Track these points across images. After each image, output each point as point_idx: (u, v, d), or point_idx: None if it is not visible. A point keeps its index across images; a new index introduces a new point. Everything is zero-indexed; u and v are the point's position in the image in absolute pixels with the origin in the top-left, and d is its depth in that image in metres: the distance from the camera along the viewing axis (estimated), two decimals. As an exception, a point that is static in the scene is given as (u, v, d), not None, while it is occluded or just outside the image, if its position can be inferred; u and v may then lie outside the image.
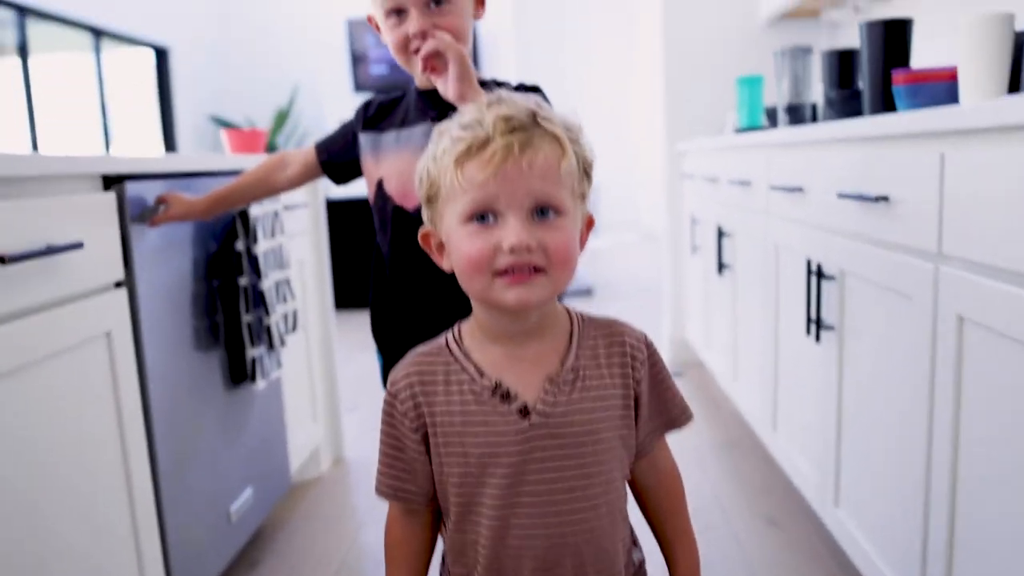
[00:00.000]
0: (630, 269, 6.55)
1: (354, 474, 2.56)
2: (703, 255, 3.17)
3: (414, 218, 1.32)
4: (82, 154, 1.25)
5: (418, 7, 1.26)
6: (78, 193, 1.27)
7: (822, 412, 1.77)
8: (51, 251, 1.11)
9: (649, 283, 5.51)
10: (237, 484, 1.84)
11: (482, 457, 0.89)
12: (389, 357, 1.45)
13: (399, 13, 1.28)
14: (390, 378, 0.95)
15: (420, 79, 1.37)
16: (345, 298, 4.89)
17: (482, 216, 0.85)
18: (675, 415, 0.99)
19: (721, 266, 2.77)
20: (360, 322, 4.72)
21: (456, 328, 0.96)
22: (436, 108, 1.31)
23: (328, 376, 2.61)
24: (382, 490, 0.95)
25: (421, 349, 0.96)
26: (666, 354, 3.71)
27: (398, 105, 1.42)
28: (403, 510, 0.97)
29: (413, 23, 1.27)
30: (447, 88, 1.23)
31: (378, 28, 1.36)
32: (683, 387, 3.20)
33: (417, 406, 0.92)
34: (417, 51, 1.27)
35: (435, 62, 1.24)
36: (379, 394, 3.24)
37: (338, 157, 1.50)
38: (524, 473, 0.89)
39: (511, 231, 0.83)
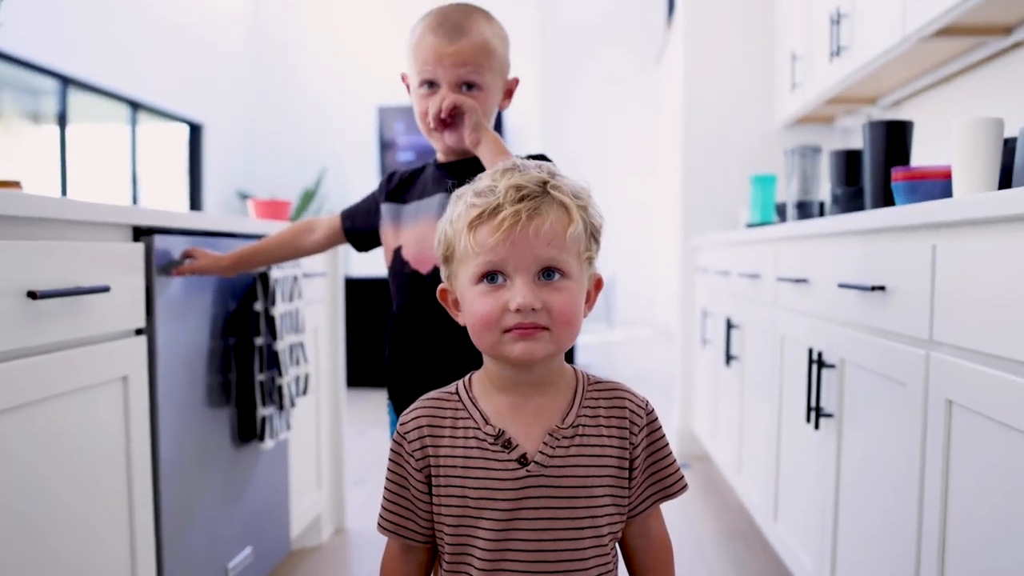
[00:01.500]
0: (643, 363, 6.57)
1: (355, 546, 2.55)
2: (713, 347, 3.20)
3: (428, 282, 1.40)
4: (115, 204, 1.33)
5: (450, 86, 1.37)
6: (109, 240, 1.34)
7: (820, 500, 1.78)
8: (79, 292, 1.17)
9: (661, 377, 5.52)
10: (237, 541, 1.86)
11: (479, 500, 0.94)
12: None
13: (431, 85, 1.39)
14: (400, 419, 1.01)
15: (440, 153, 1.47)
16: (359, 376, 4.93)
17: (492, 277, 0.92)
18: (669, 484, 1.03)
19: (729, 358, 2.80)
20: (372, 399, 4.77)
21: (468, 377, 1.03)
22: (453, 178, 1.39)
23: (335, 444, 2.63)
24: (383, 525, 1.00)
25: (432, 394, 1.02)
26: (674, 446, 3.70)
27: (418, 178, 1.51)
28: (401, 547, 1.02)
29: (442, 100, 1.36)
30: (461, 139, 1.37)
31: (408, 87, 1.46)
32: (690, 479, 3.20)
33: (424, 447, 0.97)
34: (440, 125, 1.38)
35: (451, 118, 1.36)
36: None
37: (361, 226, 1.58)
38: (516, 520, 0.93)
39: (518, 292, 0.90)
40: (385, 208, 1.51)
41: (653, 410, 1.02)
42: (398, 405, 1.50)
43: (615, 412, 0.99)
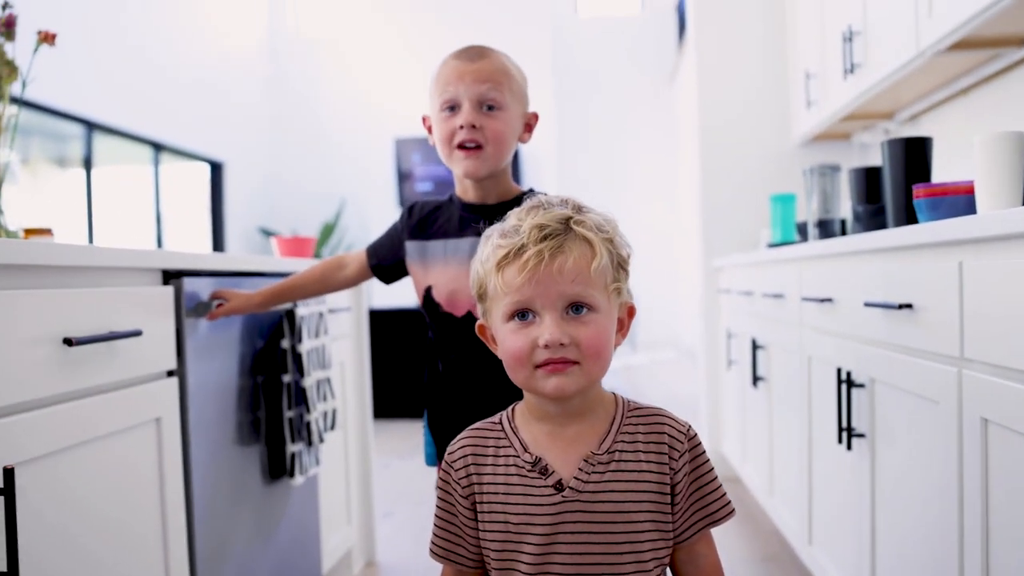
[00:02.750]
0: (668, 385, 6.53)
1: (385, 579, 2.55)
2: (739, 368, 3.19)
3: (462, 324, 1.45)
4: (145, 249, 1.35)
5: (472, 103, 1.40)
6: (139, 285, 1.36)
7: (855, 522, 1.76)
8: (112, 337, 1.19)
9: (686, 399, 5.49)
10: (270, 580, 1.86)
11: (519, 525, 0.96)
12: (442, 444, 1.53)
13: (453, 108, 1.42)
14: (448, 448, 1.04)
15: (459, 185, 1.51)
16: (385, 408, 4.93)
17: (522, 315, 0.95)
18: (714, 510, 1.02)
19: (756, 379, 2.78)
20: (397, 431, 4.77)
21: (511, 407, 1.06)
22: (480, 220, 1.42)
23: (364, 478, 2.64)
24: (435, 551, 1.04)
25: (478, 424, 1.05)
26: (703, 468, 3.67)
27: (441, 213, 1.53)
28: (453, 573, 1.04)
29: (464, 115, 1.40)
30: (480, 166, 1.43)
31: (430, 130, 1.49)
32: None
33: (469, 475, 1.01)
34: (460, 145, 1.41)
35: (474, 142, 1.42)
36: (415, 502, 3.24)
37: (386, 261, 1.61)
38: (555, 544, 0.95)
39: (546, 329, 0.93)
40: (410, 246, 1.54)
41: (696, 435, 1.03)
42: (436, 436, 1.53)
43: (654, 437, 1.00)
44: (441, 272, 1.48)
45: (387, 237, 1.61)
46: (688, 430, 1.02)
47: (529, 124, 1.50)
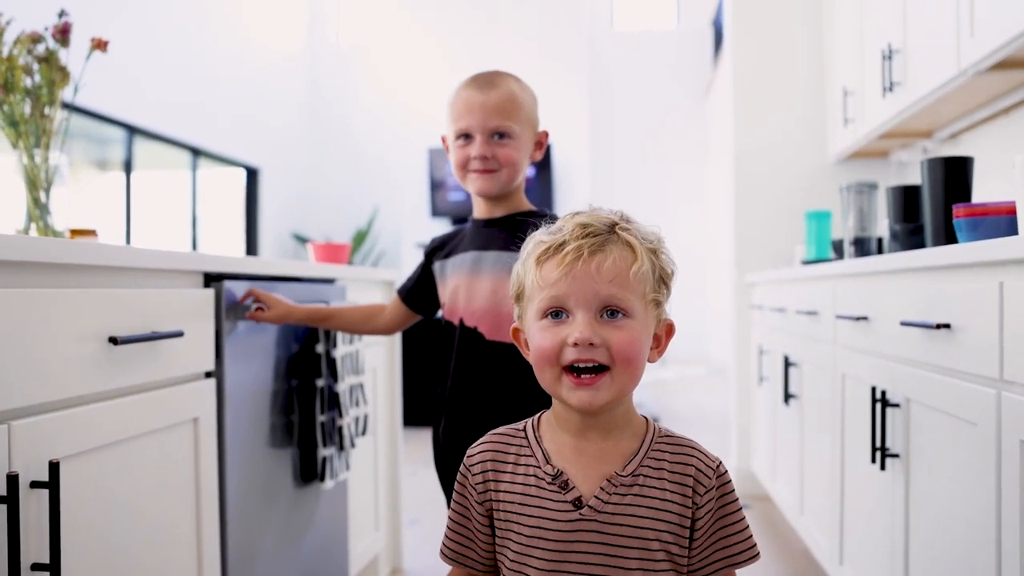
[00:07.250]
0: (697, 401, 6.49)
1: (411, 587, 2.55)
2: (770, 385, 3.16)
3: (456, 332, 1.52)
4: (188, 251, 1.38)
5: (484, 135, 1.49)
6: (182, 287, 1.39)
7: (889, 543, 1.74)
8: (156, 337, 1.22)
9: (715, 415, 5.46)
10: (298, 583, 1.87)
11: (530, 538, 0.95)
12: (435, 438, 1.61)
13: (467, 137, 1.51)
14: (468, 451, 1.04)
15: (475, 204, 1.60)
16: (413, 415, 4.94)
17: (556, 313, 0.94)
18: (736, 552, 0.99)
19: (788, 396, 2.76)
20: (424, 438, 4.76)
21: (537, 415, 1.04)
22: (489, 234, 1.54)
23: (392, 485, 2.65)
24: (445, 553, 1.03)
25: (501, 429, 1.04)
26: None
27: (459, 234, 1.63)
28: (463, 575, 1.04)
29: (476, 147, 1.49)
30: (493, 185, 1.52)
31: (448, 148, 1.58)
32: (750, 519, 3.14)
33: (486, 481, 1.00)
34: (475, 171, 1.50)
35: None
36: (440, 510, 3.24)
37: (416, 291, 1.68)
38: (566, 562, 0.93)
39: (577, 327, 0.92)
40: (436, 268, 1.63)
41: (725, 472, 1.00)
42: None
43: (679, 468, 0.98)
44: (449, 284, 1.57)
45: (415, 271, 1.70)
46: (718, 466, 0.99)
47: (540, 142, 1.59)
